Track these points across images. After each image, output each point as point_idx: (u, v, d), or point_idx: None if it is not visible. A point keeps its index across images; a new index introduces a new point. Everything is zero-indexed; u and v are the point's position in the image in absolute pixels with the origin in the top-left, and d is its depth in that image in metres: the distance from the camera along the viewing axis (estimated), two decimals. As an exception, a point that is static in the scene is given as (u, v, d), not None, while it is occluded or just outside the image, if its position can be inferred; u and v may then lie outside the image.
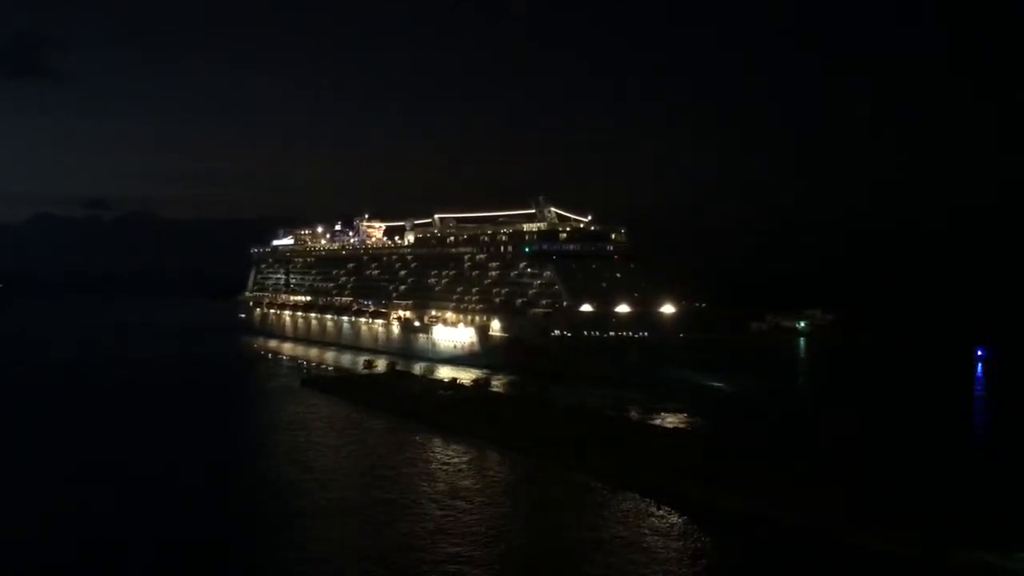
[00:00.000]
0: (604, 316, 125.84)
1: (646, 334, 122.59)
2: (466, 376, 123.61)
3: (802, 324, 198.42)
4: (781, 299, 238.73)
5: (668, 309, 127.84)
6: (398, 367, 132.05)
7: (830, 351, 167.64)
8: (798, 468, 65.25)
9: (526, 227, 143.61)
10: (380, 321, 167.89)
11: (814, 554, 50.69)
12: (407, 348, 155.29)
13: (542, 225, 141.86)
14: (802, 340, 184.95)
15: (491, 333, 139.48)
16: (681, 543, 53.99)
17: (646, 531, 55.94)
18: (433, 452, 79.59)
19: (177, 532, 56.83)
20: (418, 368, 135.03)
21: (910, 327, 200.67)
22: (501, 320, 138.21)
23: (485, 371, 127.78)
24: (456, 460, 76.41)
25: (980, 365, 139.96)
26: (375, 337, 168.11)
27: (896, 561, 48.60)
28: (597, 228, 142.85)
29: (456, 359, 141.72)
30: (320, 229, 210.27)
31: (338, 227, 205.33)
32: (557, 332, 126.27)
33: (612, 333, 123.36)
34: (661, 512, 59.33)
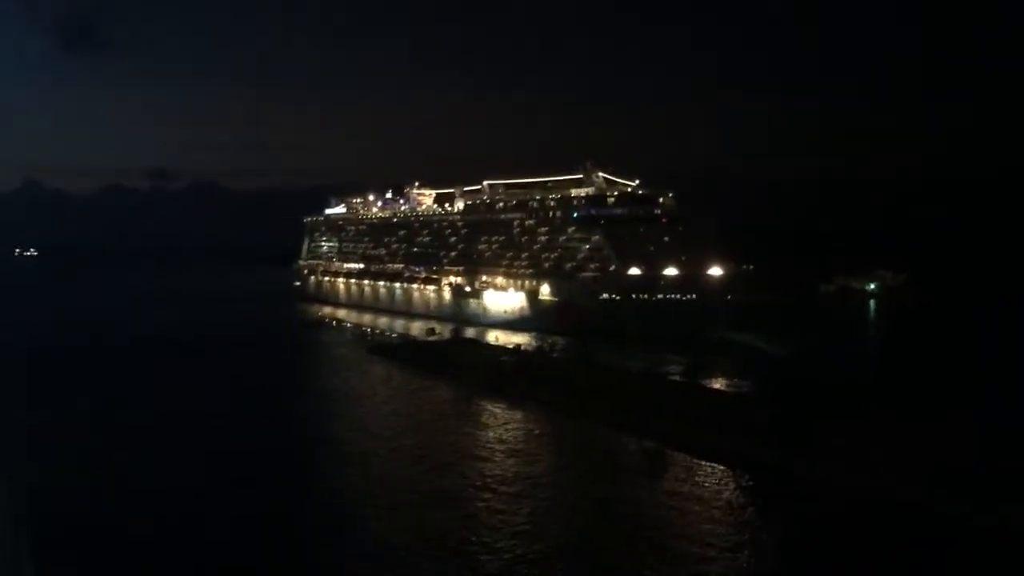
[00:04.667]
0: (652, 279, 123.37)
1: (694, 297, 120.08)
2: (518, 340, 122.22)
3: (872, 286, 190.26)
4: (850, 259, 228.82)
5: (715, 271, 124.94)
6: (459, 334, 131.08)
7: (902, 313, 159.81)
8: (868, 432, 61.52)
9: (574, 192, 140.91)
10: (432, 287, 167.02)
11: (887, 521, 47.64)
12: (459, 313, 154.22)
13: (590, 190, 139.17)
14: (872, 302, 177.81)
15: (541, 297, 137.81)
16: (756, 509, 51.33)
17: (721, 497, 53.08)
18: (496, 417, 77.46)
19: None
20: (471, 332, 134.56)
21: (979, 286, 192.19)
22: (550, 284, 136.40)
23: (536, 335, 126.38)
24: (519, 425, 74.38)
25: None
26: (427, 303, 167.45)
27: (984, 532, 45.22)
28: (645, 192, 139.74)
29: (507, 323, 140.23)
30: (371, 197, 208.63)
31: (389, 195, 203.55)
32: (606, 296, 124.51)
33: (660, 296, 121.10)
34: (735, 478, 56.47)
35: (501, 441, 68.80)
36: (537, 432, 73.04)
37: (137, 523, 51.06)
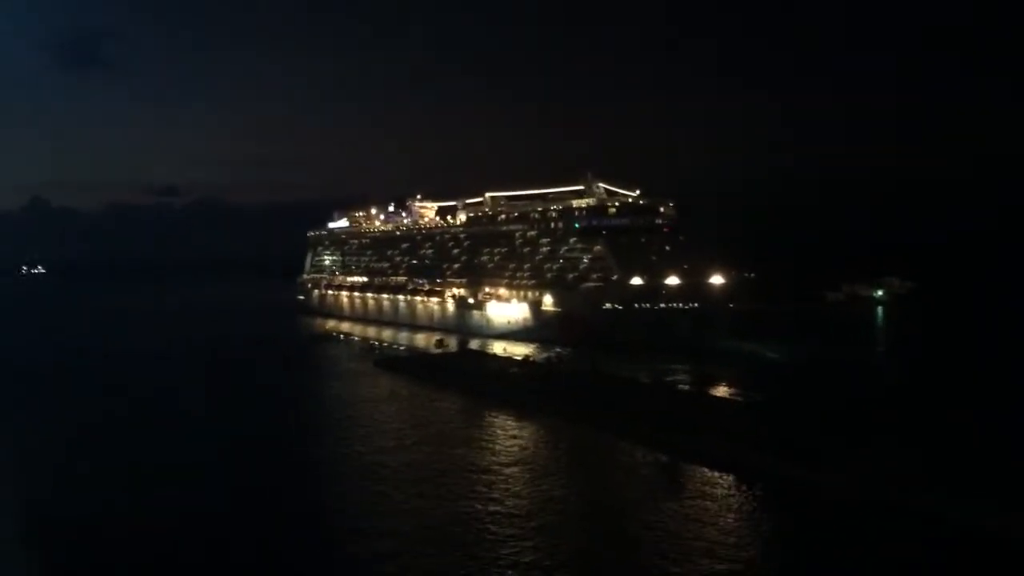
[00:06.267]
0: (654, 289, 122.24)
1: (696, 305, 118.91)
2: (523, 351, 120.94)
3: (879, 293, 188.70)
4: (859, 264, 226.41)
5: (717, 280, 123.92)
6: (465, 345, 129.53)
7: (906, 320, 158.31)
8: (875, 439, 60.69)
9: (575, 203, 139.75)
10: (435, 299, 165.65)
11: (877, 522, 46.99)
12: (463, 325, 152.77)
13: (591, 201, 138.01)
14: (880, 309, 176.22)
15: (544, 308, 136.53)
16: (766, 519, 50.39)
17: (722, 508, 52.11)
18: (507, 429, 76.44)
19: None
20: (475, 344, 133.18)
21: (986, 291, 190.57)
22: (553, 295, 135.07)
23: (540, 346, 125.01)
24: (531, 437, 73.34)
25: None
26: (431, 315, 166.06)
27: (971, 531, 44.81)
28: (645, 202, 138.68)
29: (511, 335, 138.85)
30: (374, 211, 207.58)
31: (391, 208, 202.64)
32: (609, 306, 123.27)
33: (663, 305, 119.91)
34: (739, 488, 55.56)
35: (513, 455, 67.46)
36: (549, 444, 71.77)
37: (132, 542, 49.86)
